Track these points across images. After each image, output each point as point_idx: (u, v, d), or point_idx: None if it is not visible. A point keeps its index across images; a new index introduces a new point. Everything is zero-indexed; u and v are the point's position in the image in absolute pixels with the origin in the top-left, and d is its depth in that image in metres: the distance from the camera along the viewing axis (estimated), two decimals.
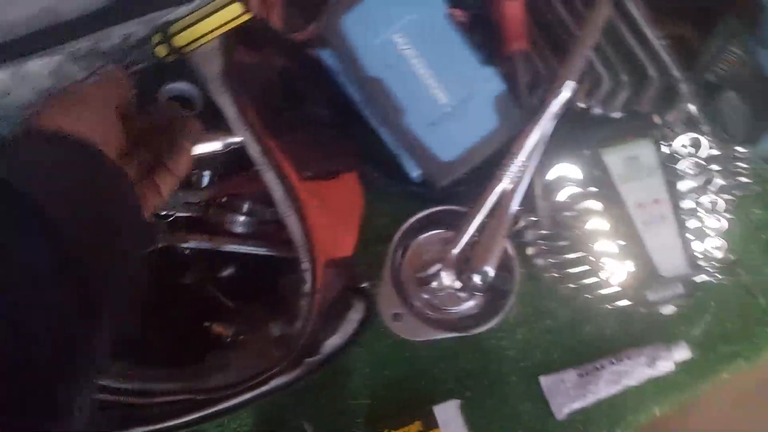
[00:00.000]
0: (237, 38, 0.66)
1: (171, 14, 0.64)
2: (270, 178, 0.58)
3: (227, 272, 0.67)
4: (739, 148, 0.70)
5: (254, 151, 0.59)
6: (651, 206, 0.64)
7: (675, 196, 0.64)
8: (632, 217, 0.64)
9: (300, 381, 0.57)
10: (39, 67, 0.63)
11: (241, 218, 0.64)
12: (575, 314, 0.70)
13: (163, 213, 0.66)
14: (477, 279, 0.66)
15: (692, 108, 0.71)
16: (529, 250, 0.69)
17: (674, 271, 0.63)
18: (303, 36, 0.74)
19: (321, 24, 0.68)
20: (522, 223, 0.69)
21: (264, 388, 0.55)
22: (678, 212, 0.64)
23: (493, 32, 0.72)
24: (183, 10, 0.64)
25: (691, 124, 0.71)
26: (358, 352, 0.68)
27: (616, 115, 0.70)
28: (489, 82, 0.67)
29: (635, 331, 0.68)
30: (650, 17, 0.73)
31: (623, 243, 0.64)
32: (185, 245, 0.65)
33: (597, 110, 0.71)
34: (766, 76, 0.64)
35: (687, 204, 0.64)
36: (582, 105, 0.71)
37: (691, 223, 0.64)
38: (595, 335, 0.69)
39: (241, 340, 0.59)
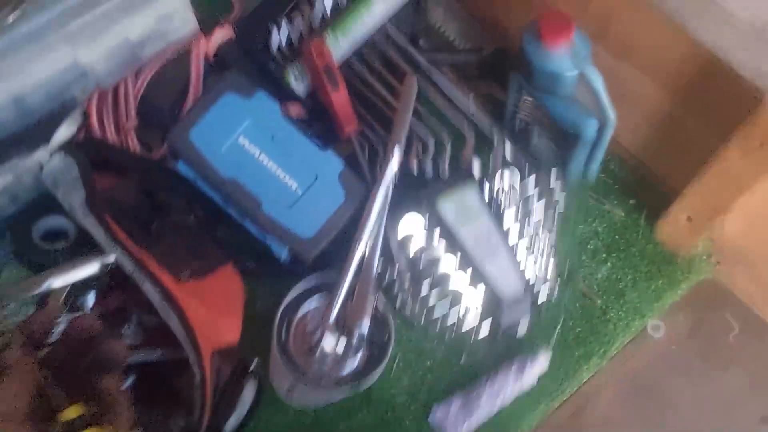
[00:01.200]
0: (96, 166, 0.72)
1: (30, 158, 0.70)
2: (147, 288, 0.63)
3: (126, 383, 0.71)
4: (553, 176, 0.82)
5: (128, 265, 0.65)
6: (485, 242, 0.74)
7: (502, 231, 0.74)
8: (472, 256, 0.73)
9: None
10: None
11: (128, 327, 0.69)
12: (450, 350, 0.78)
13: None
14: (355, 336, 0.73)
15: (508, 150, 0.83)
16: (398, 301, 0.77)
17: (515, 294, 0.73)
18: (159, 154, 0.81)
19: (171, 140, 0.75)
20: (387, 279, 0.77)
21: None
22: (507, 243, 0.74)
23: (330, 120, 0.83)
24: (43, 152, 0.70)
25: (508, 164, 0.83)
26: (261, 430, 0.73)
27: (444, 172, 0.81)
28: (330, 163, 0.77)
29: (503, 352, 0.77)
30: (460, 83, 0.87)
31: (470, 280, 0.74)
32: None
33: (428, 171, 0.82)
34: (552, 115, 0.77)
35: (513, 233, 0.75)
36: (415, 169, 0.81)
37: (521, 249, 0.75)
38: (471, 364, 0.77)
39: None
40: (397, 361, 0.77)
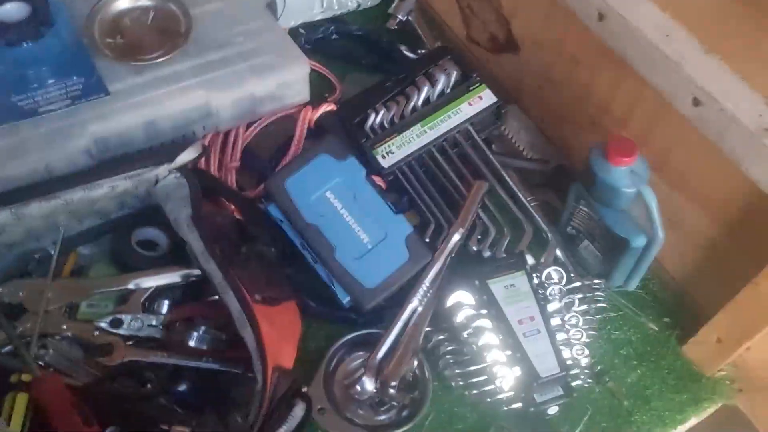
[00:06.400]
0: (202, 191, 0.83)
1: (151, 172, 0.81)
2: (229, 297, 0.72)
3: (182, 387, 0.77)
4: (596, 280, 0.90)
5: (217, 277, 0.73)
6: (528, 322, 0.81)
7: (545, 315, 0.82)
8: (515, 331, 0.80)
9: None
10: (36, 211, 0.77)
11: (196, 333, 0.76)
12: (481, 417, 0.83)
13: (128, 334, 0.78)
14: (387, 388, 0.79)
15: (558, 252, 0.92)
16: (440, 364, 0.83)
17: (550, 372, 0.79)
18: (252, 194, 0.92)
19: (269, 185, 0.87)
20: (432, 341, 0.84)
21: None
22: (549, 326, 0.81)
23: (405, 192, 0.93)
24: (163, 168, 0.81)
25: (558, 263, 0.91)
26: None
27: (501, 255, 0.90)
28: (400, 226, 0.87)
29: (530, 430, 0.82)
30: (523, 186, 0.97)
31: (509, 353, 0.80)
32: (147, 360, 0.76)
33: (486, 253, 0.90)
34: (605, 225, 0.86)
35: (555, 320, 0.82)
36: (474, 248, 0.90)
37: (560, 335, 0.82)
38: None
39: None
40: (429, 419, 0.82)
